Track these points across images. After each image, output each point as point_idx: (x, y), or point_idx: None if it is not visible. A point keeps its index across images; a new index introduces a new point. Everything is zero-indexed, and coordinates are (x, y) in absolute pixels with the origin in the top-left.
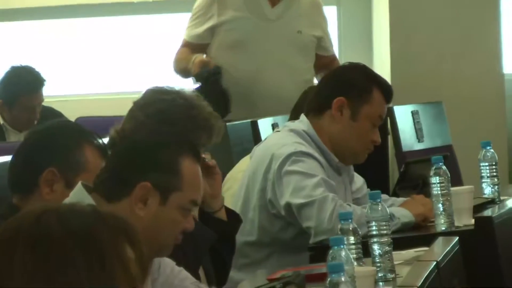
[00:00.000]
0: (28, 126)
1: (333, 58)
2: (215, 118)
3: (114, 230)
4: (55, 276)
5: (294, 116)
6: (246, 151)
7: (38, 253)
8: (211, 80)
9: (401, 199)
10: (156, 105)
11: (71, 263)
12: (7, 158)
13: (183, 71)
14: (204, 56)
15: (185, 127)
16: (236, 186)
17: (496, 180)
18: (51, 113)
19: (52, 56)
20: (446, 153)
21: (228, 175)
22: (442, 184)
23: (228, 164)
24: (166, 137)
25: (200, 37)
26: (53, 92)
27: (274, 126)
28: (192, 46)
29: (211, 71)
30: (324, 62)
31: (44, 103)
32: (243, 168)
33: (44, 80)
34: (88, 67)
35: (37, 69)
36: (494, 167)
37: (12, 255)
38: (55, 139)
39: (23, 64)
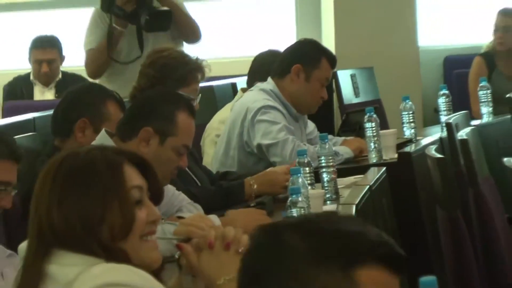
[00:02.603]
0: (48, 81)
1: None
2: (201, 60)
3: (113, 156)
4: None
5: (249, 79)
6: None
7: (58, 182)
8: None
9: (342, 138)
10: (160, 61)
11: (74, 190)
12: (49, 112)
13: None
14: None
15: (184, 70)
16: (214, 133)
17: (413, 125)
18: (77, 78)
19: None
20: (376, 105)
21: (208, 125)
22: (373, 128)
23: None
24: (169, 94)
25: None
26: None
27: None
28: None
29: None
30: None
31: (76, 71)
32: (218, 119)
33: (58, 44)
34: None
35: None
36: (412, 115)
37: (43, 184)
38: (86, 96)
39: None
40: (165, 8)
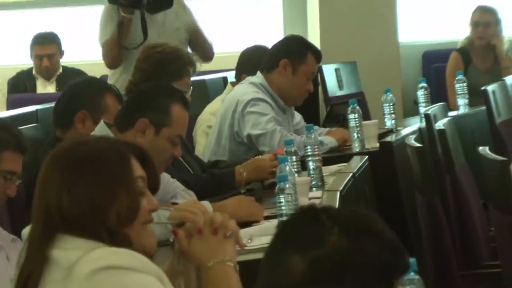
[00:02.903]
0: (49, 75)
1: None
2: (191, 55)
3: (121, 147)
4: (72, 181)
5: (237, 73)
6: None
7: (68, 168)
8: None
9: (327, 129)
10: (154, 56)
11: (85, 177)
12: (51, 104)
13: None
14: None
15: (177, 65)
16: (205, 124)
17: (394, 116)
18: (77, 72)
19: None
20: (359, 97)
21: (200, 116)
22: (356, 119)
23: None
24: (164, 87)
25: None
26: (87, 57)
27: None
28: None
29: None
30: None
31: (78, 66)
32: (209, 111)
33: (57, 40)
34: None
35: (61, 36)
36: (392, 106)
37: (52, 171)
38: (86, 90)
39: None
40: None
